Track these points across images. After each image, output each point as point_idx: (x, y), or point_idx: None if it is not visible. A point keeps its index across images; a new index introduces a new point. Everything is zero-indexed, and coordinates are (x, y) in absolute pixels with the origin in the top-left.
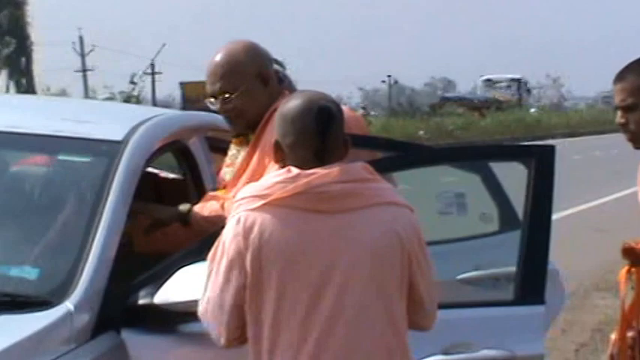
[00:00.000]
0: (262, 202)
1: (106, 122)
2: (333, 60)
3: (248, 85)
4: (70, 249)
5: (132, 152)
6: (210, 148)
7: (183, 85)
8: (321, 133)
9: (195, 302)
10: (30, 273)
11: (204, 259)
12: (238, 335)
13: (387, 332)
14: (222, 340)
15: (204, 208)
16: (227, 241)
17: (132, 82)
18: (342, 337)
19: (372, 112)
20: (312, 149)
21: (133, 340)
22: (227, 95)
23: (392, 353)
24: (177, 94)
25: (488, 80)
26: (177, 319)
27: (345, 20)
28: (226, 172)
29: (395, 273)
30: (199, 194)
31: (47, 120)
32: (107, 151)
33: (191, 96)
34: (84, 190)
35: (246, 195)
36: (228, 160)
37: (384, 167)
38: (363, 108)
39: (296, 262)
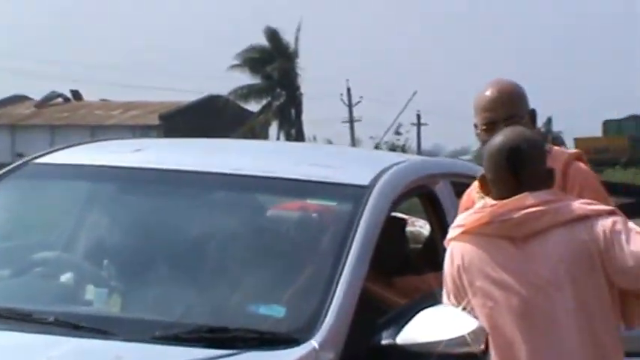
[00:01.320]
0: (460, 230)
1: (353, 167)
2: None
3: (524, 117)
4: (316, 290)
5: (377, 197)
6: (456, 194)
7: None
8: (513, 172)
9: (436, 343)
10: (278, 311)
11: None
12: None
13: (588, 344)
14: None
15: None
16: (445, 269)
17: (397, 133)
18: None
19: None
20: (507, 185)
21: None
22: (513, 119)
23: None
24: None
25: None
26: (418, 359)
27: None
28: None
29: (591, 282)
30: (443, 238)
31: (296, 165)
32: (353, 195)
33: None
34: (331, 233)
35: (452, 227)
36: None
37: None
38: None
39: (494, 284)
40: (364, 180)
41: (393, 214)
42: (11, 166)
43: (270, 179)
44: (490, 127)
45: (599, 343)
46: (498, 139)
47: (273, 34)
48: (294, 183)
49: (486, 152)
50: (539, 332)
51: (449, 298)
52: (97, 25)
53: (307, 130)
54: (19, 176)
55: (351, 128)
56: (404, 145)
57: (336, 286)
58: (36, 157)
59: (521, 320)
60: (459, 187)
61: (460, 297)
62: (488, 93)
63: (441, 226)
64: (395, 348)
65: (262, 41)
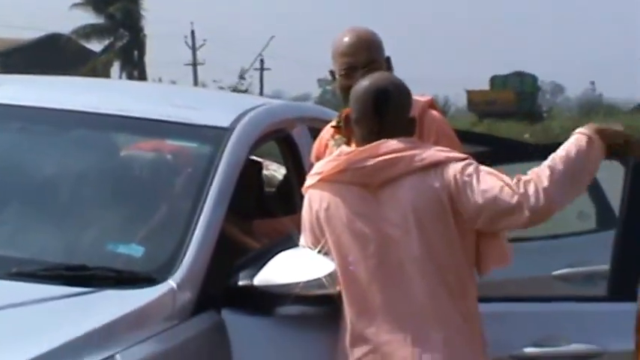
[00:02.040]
0: (317, 178)
1: (213, 109)
2: (439, 60)
3: (382, 64)
4: (174, 230)
5: (237, 139)
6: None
7: (468, 93)
8: (377, 114)
9: (293, 285)
10: (136, 250)
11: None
12: None
13: (437, 293)
14: None
15: None
16: (303, 215)
17: (241, 77)
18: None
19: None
20: (369, 128)
21: (232, 319)
22: (373, 65)
23: (444, 312)
24: (285, 90)
25: None
26: (275, 301)
27: (450, 19)
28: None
29: (440, 228)
30: (300, 183)
31: (156, 105)
32: (214, 137)
33: (475, 100)
34: (189, 174)
35: (310, 174)
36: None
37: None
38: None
39: (350, 230)
40: (224, 122)
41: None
42: None
43: (130, 119)
44: (350, 72)
45: (451, 292)
46: (367, 80)
47: None
48: (154, 123)
49: (353, 92)
50: (392, 282)
51: (307, 243)
52: None
53: (150, 71)
54: None
55: (195, 71)
56: (246, 90)
57: (195, 227)
58: None
59: (375, 270)
60: (316, 131)
61: (317, 242)
62: (347, 39)
63: (297, 170)
64: (252, 289)
65: None
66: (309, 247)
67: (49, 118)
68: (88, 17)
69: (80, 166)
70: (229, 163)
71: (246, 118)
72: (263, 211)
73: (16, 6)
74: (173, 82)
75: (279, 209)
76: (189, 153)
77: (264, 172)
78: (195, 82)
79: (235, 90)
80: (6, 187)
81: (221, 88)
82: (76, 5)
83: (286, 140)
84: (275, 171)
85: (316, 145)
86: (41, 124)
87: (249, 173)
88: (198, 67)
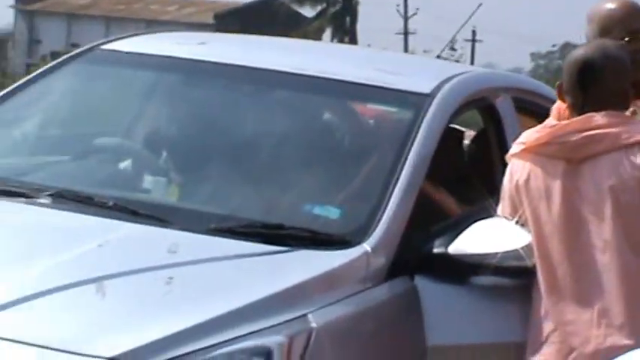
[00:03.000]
0: (521, 147)
1: (416, 75)
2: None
3: None
4: (371, 194)
5: (438, 105)
6: (517, 110)
7: None
8: (581, 87)
9: (488, 255)
10: (332, 212)
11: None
12: None
13: (628, 277)
14: None
15: None
16: (504, 184)
17: (452, 49)
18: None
19: None
20: (573, 101)
21: (425, 286)
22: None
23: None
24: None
25: None
26: (469, 270)
27: None
28: None
29: (636, 208)
30: (501, 153)
31: (359, 69)
32: (414, 102)
33: None
34: (390, 139)
35: (515, 142)
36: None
37: None
38: None
39: (547, 203)
40: (426, 88)
41: (452, 125)
42: (77, 51)
43: (332, 81)
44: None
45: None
46: (578, 50)
47: None
48: (355, 86)
49: (566, 62)
50: (583, 260)
51: (504, 212)
52: None
53: (361, 39)
54: (85, 61)
55: (405, 40)
56: (457, 62)
57: (392, 192)
58: (102, 44)
59: (567, 246)
60: (521, 102)
61: (515, 212)
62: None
63: (498, 140)
64: (446, 257)
65: None
66: (506, 217)
67: (252, 77)
68: None
69: (281, 127)
70: (429, 130)
71: (448, 85)
72: (462, 179)
73: None
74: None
75: (484, 181)
76: (389, 118)
77: (467, 142)
78: (406, 51)
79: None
80: (208, 144)
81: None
82: None
83: (489, 109)
84: None
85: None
86: (244, 83)
87: (450, 141)
88: (410, 37)
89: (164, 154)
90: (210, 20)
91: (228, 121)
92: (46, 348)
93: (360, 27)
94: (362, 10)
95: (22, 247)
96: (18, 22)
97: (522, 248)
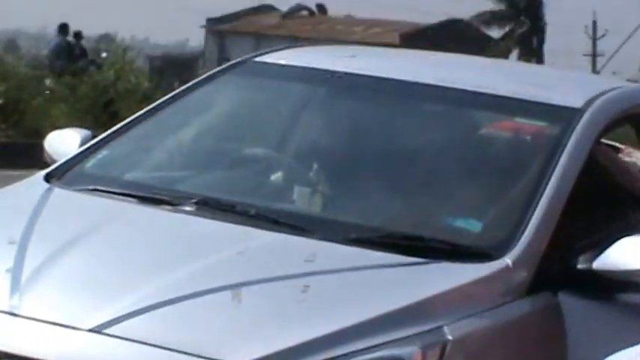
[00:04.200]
0: None
1: (567, 89)
2: None
3: None
4: (514, 208)
5: (588, 121)
6: None
7: None
8: None
9: (636, 271)
10: (474, 225)
11: None
12: None
13: None
14: None
15: None
16: None
17: None
18: None
19: None
20: None
21: (569, 303)
22: None
23: None
24: None
25: None
26: (615, 287)
27: None
28: None
29: None
30: None
31: (509, 82)
32: (564, 117)
33: None
34: (535, 154)
35: None
36: None
37: None
38: None
39: None
40: (577, 103)
41: (608, 141)
42: (230, 63)
43: (480, 94)
44: None
45: None
46: None
47: None
48: (503, 100)
49: None
50: None
51: None
52: None
53: (548, 60)
54: (238, 73)
55: (593, 62)
56: None
57: (536, 207)
58: (255, 56)
59: None
60: None
61: None
62: None
63: None
64: (591, 273)
65: None
66: None
67: (401, 90)
68: (489, 4)
69: (427, 140)
70: (577, 145)
71: (599, 101)
72: (615, 197)
73: None
74: None
75: (631, 197)
76: (539, 132)
77: (626, 159)
78: (594, 73)
79: (634, 82)
80: (355, 155)
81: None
82: None
83: None
84: (638, 159)
85: None
86: (393, 96)
87: (601, 157)
88: (597, 59)
89: (315, 165)
90: (396, 40)
91: (375, 134)
92: (177, 351)
93: (547, 48)
94: (550, 31)
95: (164, 252)
96: (208, 42)
97: None
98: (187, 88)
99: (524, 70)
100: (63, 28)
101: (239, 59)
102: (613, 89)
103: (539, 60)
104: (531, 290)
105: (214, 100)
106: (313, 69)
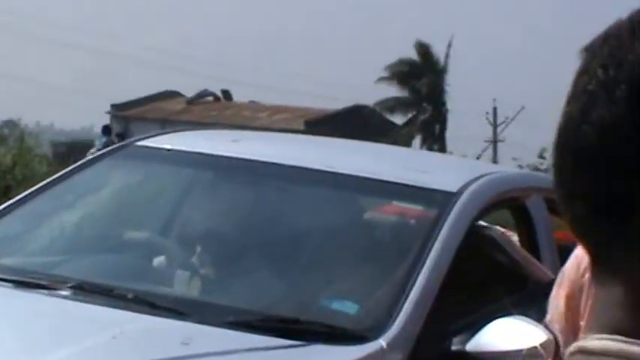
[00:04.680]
0: None
1: (444, 173)
2: None
3: None
4: (390, 291)
5: (464, 204)
6: (550, 211)
7: None
8: None
9: (507, 354)
10: (350, 308)
11: (520, 313)
12: None
13: None
14: None
15: None
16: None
17: (541, 157)
18: None
19: None
20: None
21: None
22: None
23: None
24: None
25: None
26: None
27: None
28: None
29: None
30: (532, 252)
31: (388, 167)
32: (440, 201)
33: None
34: (412, 237)
35: None
36: None
37: None
38: None
39: None
40: (453, 187)
41: (485, 224)
42: (114, 146)
43: (361, 179)
44: None
45: None
46: None
47: (423, 49)
48: (383, 184)
49: None
50: None
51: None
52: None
53: (450, 145)
54: (121, 156)
55: (494, 148)
56: (546, 170)
57: (411, 289)
58: (138, 140)
59: None
60: (555, 203)
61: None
62: None
63: (530, 240)
64: (464, 355)
65: (412, 55)
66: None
67: (280, 173)
68: (393, 91)
69: (305, 223)
70: (452, 228)
71: (475, 185)
72: (492, 278)
73: (322, 78)
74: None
75: (512, 279)
76: (419, 216)
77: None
78: (495, 159)
79: (535, 169)
80: (240, 239)
81: (520, 166)
82: (382, 79)
83: (520, 209)
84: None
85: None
86: (273, 180)
87: (476, 239)
88: (498, 145)
89: (198, 249)
90: (301, 126)
91: (259, 218)
92: None
93: (450, 134)
94: (452, 118)
95: (37, 337)
96: (113, 127)
97: (540, 345)
98: (70, 171)
99: (409, 156)
100: None
101: (122, 143)
102: (489, 174)
103: (442, 146)
104: None
105: (96, 183)
106: (195, 153)
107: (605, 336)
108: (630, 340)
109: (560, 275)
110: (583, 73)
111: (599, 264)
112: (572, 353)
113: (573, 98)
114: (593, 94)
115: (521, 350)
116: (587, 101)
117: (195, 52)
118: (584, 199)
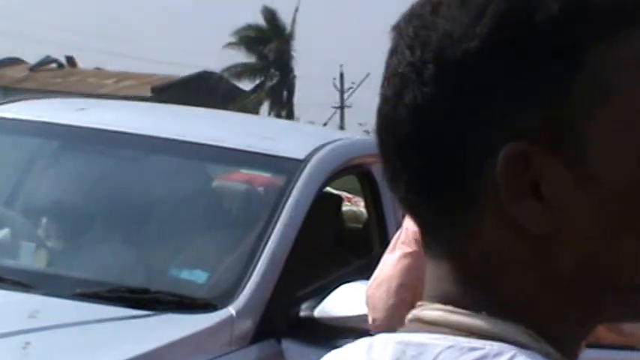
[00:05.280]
0: None
1: (292, 141)
2: None
3: None
4: (238, 259)
5: (311, 171)
6: None
7: None
8: None
9: (353, 318)
10: (200, 277)
11: (365, 278)
12: None
13: None
14: None
15: None
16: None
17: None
18: None
19: None
20: None
21: (292, 350)
22: None
23: None
24: None
25: None
26: (334, 333)
27: None
28: None
29: None
30: (377, 219)
31: (236, 135)
32: (288, 168)
33: None
34: (260, 205)
35: None
36: None
37: None
38: None
39: None
40: (300, 154)
41: (333, 191)
42: None
43: (208, 146)
44: None
45: None
46: None
47: (270, 15)
48: (230, 152)
49: None
50: None
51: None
52: None
53: (298, 112)
54: None
55: (342, 114)
56: None
57: (259, 257)
58: None
59: None
60: None
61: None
62: None
63: (375, 206)
64: (312, 320)
65: (259, 21)
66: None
67: (128, 142)
68: (240, 56)
69: (154, 192)
70: (300, 195)
71: (322, 152)
72: (339, 245)
73: (169, 44)
74: (311, 123)
75: (360, 245)
76: (267, 183)
77: (353, 208)
78: (342, 125)
79: None
80: (85, 209)
81: (366, 131)
82: (229, 45)
83: (366, 176)
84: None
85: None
86: (120, 148)
87: (325, 206)
88: (346, 110)
89: (44, 221)
90: (148, 93)
91: (106, 188)
92: None
93: (298, 101)
94: (299, 84)
95: None
96: None
97: None
98: None
99: (256, 123)
100: None
101: None
102: (336, 140)
103: (289, 112)
104: (256, 339)
105: None
106: (40, 122)
107: (437, 306)
108: (458, 310)
109: (401, 231)
110: (392, 53)
111: (428, 240)
112: (410, 320)
113: (387, 80)
114: (404, 75)
115: (366, 314)
116: (399, 83)
117: (35, 15)
118: (408, 181)
